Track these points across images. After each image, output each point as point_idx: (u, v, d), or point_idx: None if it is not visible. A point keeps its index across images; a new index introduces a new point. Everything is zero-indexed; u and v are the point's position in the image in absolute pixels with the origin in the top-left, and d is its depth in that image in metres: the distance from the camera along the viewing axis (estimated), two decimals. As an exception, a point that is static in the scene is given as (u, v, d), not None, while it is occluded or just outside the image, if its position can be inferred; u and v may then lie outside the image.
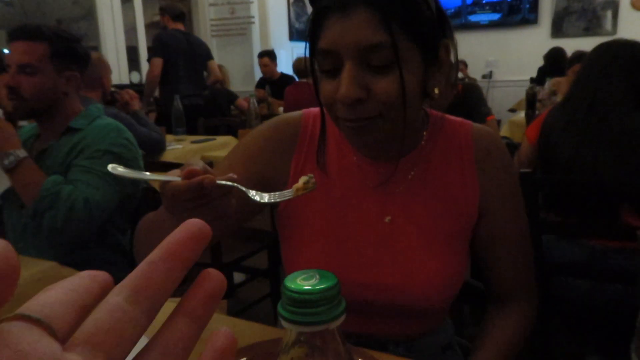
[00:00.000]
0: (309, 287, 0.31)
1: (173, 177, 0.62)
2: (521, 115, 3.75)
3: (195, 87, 4.28)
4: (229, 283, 2.26)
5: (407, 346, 0.93)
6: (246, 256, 2.31)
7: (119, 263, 1.54)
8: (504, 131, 3.53)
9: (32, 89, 1.38)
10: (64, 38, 1.45)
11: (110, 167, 0.65)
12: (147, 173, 0.67)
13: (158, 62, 4.07)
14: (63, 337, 0.21)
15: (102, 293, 0.24)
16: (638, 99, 1.58)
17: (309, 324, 0.31)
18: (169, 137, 3.14)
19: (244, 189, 0.64)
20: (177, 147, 2.95)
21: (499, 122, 3.26)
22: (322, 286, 0.31)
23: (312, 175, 0.66)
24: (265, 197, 0.66)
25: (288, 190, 0.66)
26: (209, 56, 4.45)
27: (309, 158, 0.90)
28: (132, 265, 1.58)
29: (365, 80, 0.72)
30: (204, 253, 1.16)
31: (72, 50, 1.47)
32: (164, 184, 0.63)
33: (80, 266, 1.35)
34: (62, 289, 0.23)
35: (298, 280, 0.32)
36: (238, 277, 2.83)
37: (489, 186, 0.87)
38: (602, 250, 1.58)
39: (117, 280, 1.02)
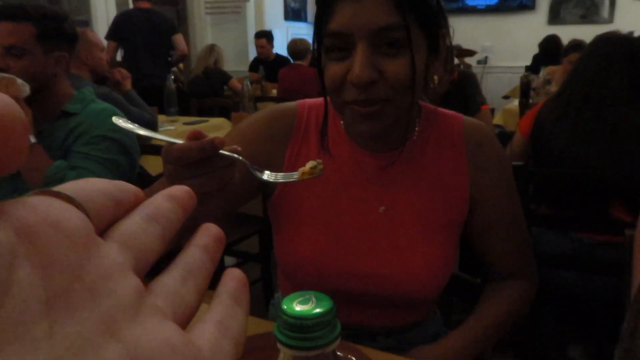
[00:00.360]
0: (305, 312, 0.31)
1: (178, 140, 0.61)
2: (515, 103, 3.75)
3: (158, 67, 4.17)
4: (219, 267, 2.28)
5: (397, 338, 0.95)
6: (237, 241, 2.31)
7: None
8: (498, 119, 3.53)
9: (20, 71, 1.35)
10: (51, 17, 1.41)
11: (114, 119, 0.62)
12: (151, 132, 0.64)
13: (110, 45, 4.05)
14: (97, 224, 0.20)
15: (136, 200, 0.23)
16: (633, 95, 1.58)
17: (304, 348, 0.31)
18: (161, 118, 3.11)
19: (248, 163, 0.63)
20: (170, 128, 2.93)
21: (492, 110, 3.26)
22: (318, 311, 0.31)
23: (320, 160, 0.66)
24: (268, 176, 0.65)
25: (294, 173, 0.66)
26: (173, 30, 4.29)
27: (303, 149, 0.90)
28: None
29: (377, 62, 0.72)
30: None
31: (60, 30, 1.44)
32: (169, 146, 0.60)
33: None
34: (101, 181, 0.22)
35: (294, 304, 0.32)
36: (229, 261, 2.84)
37: (480, 177, 0.88)
38: (590, 243, 1.60)
39: None
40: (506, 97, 5.28)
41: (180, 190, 0.25)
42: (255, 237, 2.39)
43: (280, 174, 0.65)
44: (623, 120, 1.57)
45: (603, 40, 1.67)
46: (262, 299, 2.44)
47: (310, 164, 0.65)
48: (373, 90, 0.73)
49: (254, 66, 5.38)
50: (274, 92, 4.59)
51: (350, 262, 0.86)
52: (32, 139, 1.33)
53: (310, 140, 0.90)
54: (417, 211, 0.87)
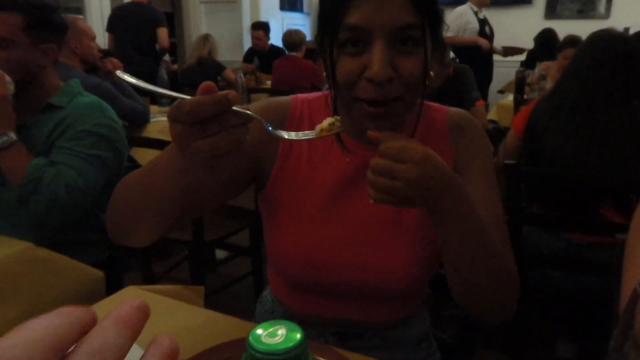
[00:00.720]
0: (273, 347, 0.30)
1: (186, 96, 0.57)
2: (510, 98, 3.74)
3: (146, 59, 4.27)
4: (211, 260, 2.26)
5: (383, 336, 0.94)
6: (229, 234, 2.30)
7: (99, 243, 1.52)
8: (492, 114, 3.53)
9: (6, 63, 1.32)
10: (39, 7, 1.37)
11: (118, 73, 0.59)
12: (156, 87, 0.60)
13: (109, 37, 4.25)
14: None
15: (82, 332, 0.23)
16: (625, 95, 1.58)
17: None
18: (154, 109, 3.09)
19: (263, 120, 0.60)
20: (162, 119, 2.90)
21: (487, 106, 3.25)
22: (286, 346, 0.30)
23: (338, 117, 0.65)
24: (285, 134, 0.64)
25: (310, 131, 0.65)
26: (157, 24, 4.37)
27: (296, 143, 0.90)
28: (111, 244, 1.56)
29: (393, 60, 0.73)
30: (186, 231, 1.14)
31: (49, 21, 1.41)
32: (179, 101, 0.55)
33: (59, 247, 1.33)
34: (41, 328, 0.22)
35: (263, 338, 0.31)
36: (221, 254, 2.83)
37: (462, 161, 0.89)
38: (579, 243, 1.60)
39: (95, 259, 0.99)
40: (501, 92, 5.27)
41: (129, 309, 0.25)
42: (246, 230, 2.37)
43: (298, 133, 0.65)
44: (615, 120, 1.56)
45: (596, 39, 1.66)
46: (253, 292, 2.43)
47: (328, 121, 0.64)
48: (388, 88, 0.74)
49: (249, 57, 5.34)
50: (268, 83, 4.56)
51: (338, 253, 0.87)
52: (13, 136, 1.30)
53: (304, 129, 0.88)
54: None
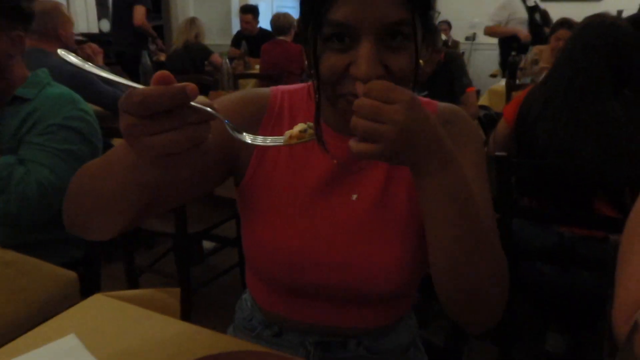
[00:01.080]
0: None
1: (139, 85, 0.51)
2: (501, 83, 3.68)
3: (127, 38, 4.27)
4: (198, 251, 2.20)
5: (368, 346, 0.90)
6: (215, 225, 2.25)
7: (74, 241, 1.47)
8: (484, 100, 3.47)
9: None
10: None
11: (59, 51, 0.52)
12: (102, 70, 0.53)
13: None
14: None
15: None
16: (617, 84, 1.53)
17: None
18: (137, 96, 3.00)
19: (226, 121, 0.54)
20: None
21: (478, 92, 3.19)
22: None
23: (311, 124, 0.59)
24: (249, 138, 0.57)
25: (280, 137, 0.59)
26: (135, 1, 4.35)
27: (277, 127, 0.85)
28: (87, 242, 1.50)
29: (382, 57, 0.68)
30: (169, 223, 1.07)
31: (17, 8, 1.33)
32: (131, 91, 0.49)
33: (32, 247, 1.28)
34: None
35: None
36: (208, 245, 2.79)
37: None
38: (571, 237, 1.57)
39: (68, 259, 0.91)
40: (493, 76, 5.22)
41: None
42: (232, 221, 2.33)
43: (266, 137, 0.58)
44: (608, 110, 1.52)
45: (589, 25, 1.60)
46: (240, 283, 2.40)
47: (299, 127, 0.58)
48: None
49: (237, 41, 5.23)
50: (257, 68, 4.47)
51: (319, 252, 0.82)
52: None
53: (283, 126, 0.85)
54: (389, 199, 0.83)
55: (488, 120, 2.74)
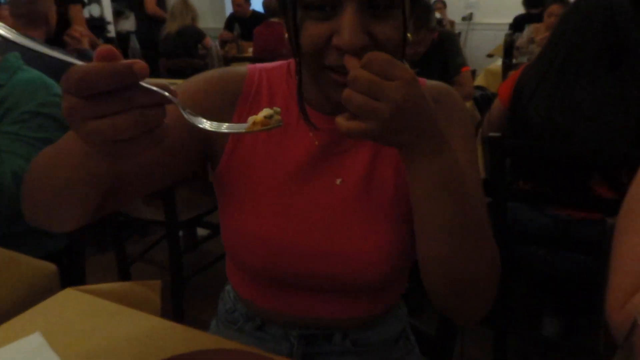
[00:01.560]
0: None
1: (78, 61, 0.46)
2: (498, 63, 3.62)
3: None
4: (192, 238, 2.16)
5: (354, 339, 0.86)
6: (206, 212, 2.21)
7: (55, 233, 1.42)
8: (480, 80, 3.41)
9: None
10: None
11: None
12: (40, 46, 0.47)
13: None
14: None
15: None
16: (612, 61, 1.47)
17: None
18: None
19: (180, 104, 0.48)
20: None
21: (473, 72, 3.13)
22: None
23: (278, 109, 0.54)
24: (207, 124, 0.51)
25: (241, 124, 0.53)
26: None
27: (254, 108, 0.80)
28: (70, 234, 1.46)
29: (367, 25, 0.63)
30: (159, 211, 1.02)
31: None
32: (71, 70, 0.44)
33: (11, 239, 1.24)
34: None
35: None
36: (202, 232, 2.76)
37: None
38: (566, 220, 1.53)
39: (50, 251, 0.87)
40: (490, 56, 5.13)
41: None
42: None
43: (224, 124, 0.52)
44: (603, 88, 1.47)
45: (583, 2, 1.54)
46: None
47: (264, 112, 0.52)
48: (362, 55, 0.63)
49: (230, 24, 5.14)
50: (250, 50, 4.39)
51: (302, 239, 0.78)
52: None
53: (261, 106, 0.81)
54: (375, 183, 0.79)
55: (484, 100, 2.69)
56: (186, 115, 0.50)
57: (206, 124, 0.52)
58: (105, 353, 0.72)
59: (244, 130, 0.52)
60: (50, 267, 1.22)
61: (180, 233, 2.72)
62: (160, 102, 0.47)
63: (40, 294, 1.18)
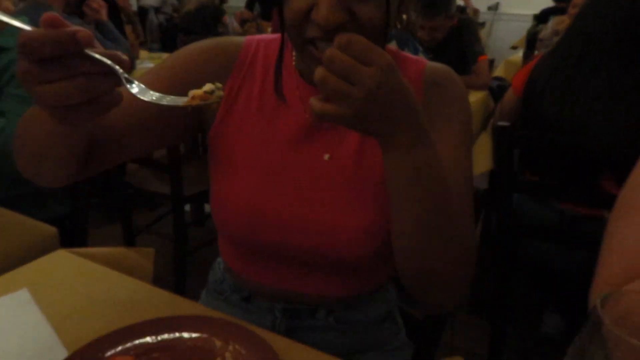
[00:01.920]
0: None
1: (28, 27, 0.47)
2: (519, 54, 3.54)
3: None
4: (198, 213, 2.15)
5: (339, 316, 0.86)
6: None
7: (60, 196, 1.45)
8: (499, 71, 3.34)
9: None
10: None
11: None
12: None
13: None
14: None
15: None
16: (630, 56, 1.42)
17: None
18: (143, 54, 2.95)
19: (119, 71, 0.48)
20: (149, 65, 2.77)
21: (492, 62, 3.07)
22: None
23: (220, 85, 0.55)
24: (145, 95, 0.51)
25: (180, 97, 0.53)
26: None
27: (246, 85, 0.80)
28: (73, 195, 1.48)
29: (349, 3, 0.62)
30: (164, 185, 1.04)
31: None
32: (19, 34, 0.46)
33: (16, 201, 1.26)
34: None
35: None
36: (208, 208, 2.77)
37: (433, 115, 0.76)
38: (572, 215, 1.50)
39: (56, 213, 0.89)
40: (514, 48, 5.03)
41: None
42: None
43: (163, 95, 0.52)
44: (619, 83, 1.42)
45: None
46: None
47: (206, 87, 0.53)
48: (341, 32, 0.61)
49: (250, 3, 5.11)
50: (269, 30, 4.37)
51: (285, 210, 0.77)
52: None
53: (255, 77, 0.81)
54: (363, 160, 0.78)
55: (501, 90, 2.64)
56: (124, 82, 0.50)
57: (147, 96, 0.52)
58: (87, 313, 0.73)
59: (181, 104, 0.52)
60: (51, 230, 1.24)
61: (188, 208, 2.74)
62: (108, 71, 0.48)
63: (39, 255, 1.20)
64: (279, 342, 0.67)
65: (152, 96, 0.51)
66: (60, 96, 0.47)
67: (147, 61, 2.87)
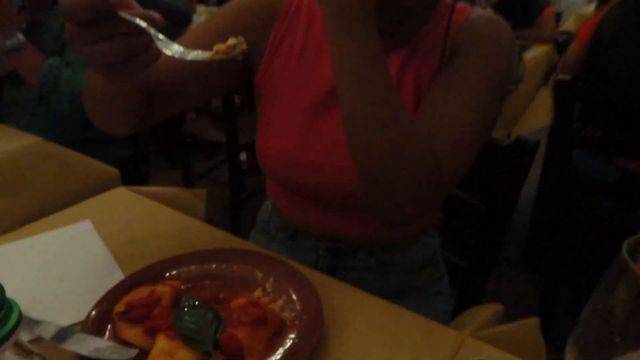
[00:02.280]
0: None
1: None
2: (592, 7, 3.30)
3: None
4: (255, 161, 2.17)
5: (380, 258, 0.88)
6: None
7: (122, 140, 1.52)
8: (569, 24, 3.14)
9: None
10: None
11: None
12: None
13: None
14: None
15: None
16: None
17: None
18: (200, 9, 2.98)
19: (152, 31, 0.52)
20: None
21: (559, 15, 2.88)
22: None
23: (242, 39, 0.57)
24: (171, 49, 0.53)
25: (205, 52, 0.55)
26: None
27: (289, 33, 0.81)
28: (135, 141, 1.56)
29: None
30: (220, 134, 1.11)
31: None
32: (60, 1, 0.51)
33: (81, 145, 1.33)
34: None
35: None
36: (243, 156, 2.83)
37: (459, 50, 0.73)
38: (635, 173, 1.43)
39: (117, 158, 0.97)
40: (591, 1, 4.69)
41: None
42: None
43: (187, 50, 0.54)
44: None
45: None
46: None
47: (229, 41, 0.55)
48: None
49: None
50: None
51: (326, 156, 0.78)
52: (22, 38, 1.28)
53: (299, 25, 0.81)
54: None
55: (567, 45, 2.49)
56: (156, 41, 0.53)
57: (172, 51, 0.54)
58: (143, 243, 0.78)
59: (206, 58, 0.54)
60: (114, 171, 1.31)
61: (244, 157, 2.81)
62: (137, 31, 0.52)
63: (101, 193, 1.28)
64: (319, 279, 0.70)
65: (176, 51, 0.54)
66: (101, 56, 0.51)
67: (204, 15, 2.90)
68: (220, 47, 0.55)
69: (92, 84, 0.69)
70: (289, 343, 0.57)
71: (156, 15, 0.52)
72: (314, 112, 0.79)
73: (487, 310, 0.78)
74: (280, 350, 0.56)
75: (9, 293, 0.30)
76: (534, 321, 0.77)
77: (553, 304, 1.69)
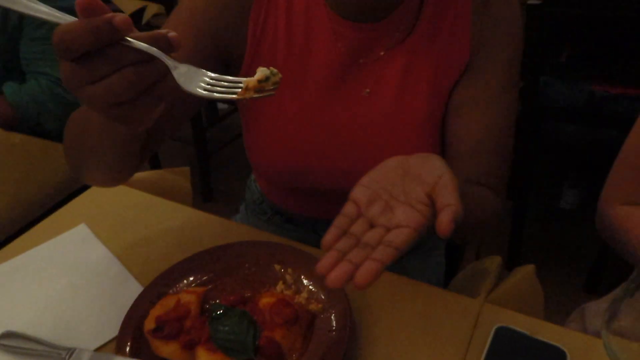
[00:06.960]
0: None
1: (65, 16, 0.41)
2: None
3: None
4: (213, 114, 2.11)
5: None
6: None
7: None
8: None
9: None
10: None
11: None
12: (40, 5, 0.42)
13: None
14: None
15: None
16: None
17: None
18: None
19: (170, 63, 0.42)
20: None
21: None
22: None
23: (275, 70, 0.46)
24: (194, 85, 0.43)
25: (235, 87, 0.45)
26: None
27: (270, 17, 0.72)
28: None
29: None
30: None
31: None
32: (54, 32, 0.39)
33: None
34: None
35: None
36: (223, 106, 2.75)
37: (480, 45, 0.72)
38: (603, 96, 1.47)
39: None
40: None
41: None
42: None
43: (214, 88, 0.44)
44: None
45: None
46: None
47: (261, 72, 0.45)
48: None
49: None
50: None
51: (325, 153, 0.75)
52: None
53: (278, 17, 0.72)
54: (407, 95, 0.73)
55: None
56: (175, 76, 0.43)
57: (196, 89, 0.44)
58: (145, 243, 0.77)
59: (235, 97, 0.44)
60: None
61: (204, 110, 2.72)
62: (148, 58, 0.41)
63: (75, 181, 1.22)
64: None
65: (202, 90, 0.44)
66: (112, 93, 0.41)
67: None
68: (250, 81, 0.44)
69: (79, 135, 0.59)
70: (324, 336, 0.59)
71: (168, 32, 0.42)
72: (310, 106, 0.74)
73: (490, 266, 0.81)
74: (318, 345, 0.58)
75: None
76: (530, 268, 0.81)
77: (523, 221, 1.79)
